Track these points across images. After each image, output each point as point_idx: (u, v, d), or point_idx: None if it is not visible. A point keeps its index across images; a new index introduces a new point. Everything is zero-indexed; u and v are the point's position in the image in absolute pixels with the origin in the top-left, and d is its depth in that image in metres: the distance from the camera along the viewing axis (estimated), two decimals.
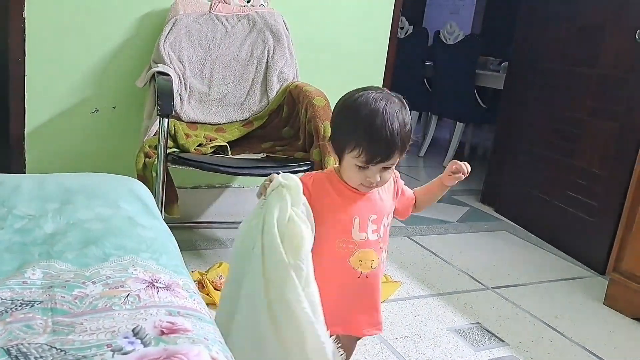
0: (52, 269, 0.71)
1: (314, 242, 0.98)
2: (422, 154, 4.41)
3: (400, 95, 1.05)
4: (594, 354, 1.73)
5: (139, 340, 0.57)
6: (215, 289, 1.76)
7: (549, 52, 2.74)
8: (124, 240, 0.80)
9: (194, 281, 1.74)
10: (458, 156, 4.21)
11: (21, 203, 0.87)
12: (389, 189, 1.18)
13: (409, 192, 1.23)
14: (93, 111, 2.15)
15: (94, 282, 0.68)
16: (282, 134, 2.10)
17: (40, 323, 0.59)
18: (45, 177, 1.00)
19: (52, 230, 0.81)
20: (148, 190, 1.08)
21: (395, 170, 1.14)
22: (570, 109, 2.59)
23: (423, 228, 2.72)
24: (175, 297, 0.68)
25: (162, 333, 0.59)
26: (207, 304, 1.70)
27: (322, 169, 1.92)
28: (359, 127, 1.00)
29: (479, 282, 2.17)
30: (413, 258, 2.33)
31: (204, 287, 1.74)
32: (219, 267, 1.88)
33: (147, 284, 0.68)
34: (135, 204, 0.95)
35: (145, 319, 0.60)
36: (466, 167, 1.17)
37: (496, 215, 3.07)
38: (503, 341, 1.73)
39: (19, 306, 0.61)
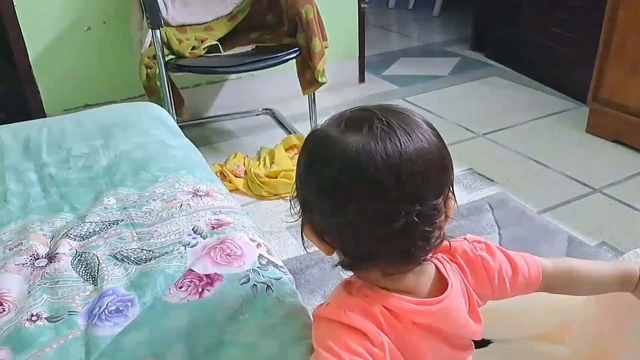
0: (120, 194, 0.93)
1: None
2: (410, 6, 4.38)
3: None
4: (574, 179, 1.98)
5: (199, 235, 0.80)
6: (235, 176, 2.00)
7: None
8: (164, 163, 1.01)
9: (216, 172, 1.99)
10: (446, 3, 4.17)
11: (74, 144, 1.07)
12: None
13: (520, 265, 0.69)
14: (86, 29, 2.24)
15: (154, 200, 0.90)
16: (267, 22, 2.19)
17: (128, 235, 0.83)
18: (79, 117, 1.18)
19: (106, 164, 1.02)
20: (165, 111, 1.26)
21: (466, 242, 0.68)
22: None
23: (417, 87, 2.87)
24: (214, 200, 0.90)
25: (213, 228, 0.82)
26: (231, 190, 1.98)
27: (309, 54, 2.05)
28: None
29: (470, 131, 2.39)
30: None
31: (225, 177, 1.98)
32: (234, 157, 2.12)
33: (192, 194, 0.91)
34: (160, 127, 1.14)
35: (199, 220, 0.84)
36: None
37: (487, 61, 3.18)
38: (493, 181, 1.99)
39: (109, 226, 0.85)
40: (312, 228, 0.59)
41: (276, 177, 1.98)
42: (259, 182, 1.96)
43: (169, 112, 2.03)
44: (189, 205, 0.87)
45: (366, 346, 0.56)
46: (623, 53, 2.06)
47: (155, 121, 1.16)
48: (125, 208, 0.88)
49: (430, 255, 0.59)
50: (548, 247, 1.61)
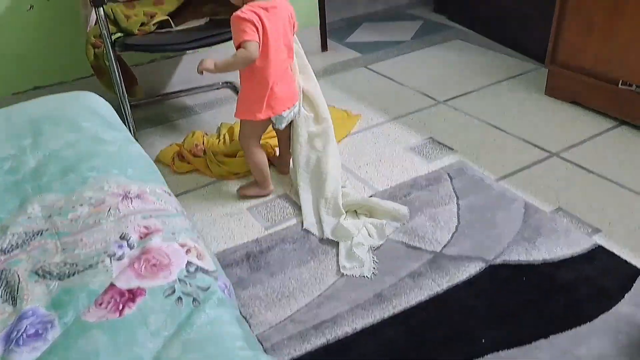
0: (45, 201, 0.90)
1: None
2: None
3: None
4: (532, 143, 1.99)
5: (125, 243, 0.78)
6: (194, 156, 1.96)
7: None
8: (94, 162, 0.97)
9: (174, 153, 1.95)
10: None
11: (0, 144, 1.02)
12: None
13: None
14: (29, 8, 2.13)
15: (81, 205, 0.87)
16: None
17: (52, 246, 0.80)
18: (9, 111, 1.12)
19: (34, 165, 0.98)
20: (102, 99, 1.21)
21: None
22: None
23: (379, 54, 2.83)
24: (145, 203, 0.87)
25: (141, 237, 0.79)
26: (190, 171, 1.94)
27: None
28: None
29: (431, 98, 2.37)
30: (371, 87, 2.50)
31: (184, 157, 1.94)
32: (192, 136, 2.07)
33: (121, 197, 0.88)
34: (94, 120, 1.09)
35: (127, 226, 0.81)
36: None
37: (449, 23, 3.13)
38: (452, 149, 1.99)
39: (32, 237, 0.82)
40: None
41: (235, 156, 1.95)
42: (218, 161, 1.92)
43: (119, 93, 1.96)
44: (118, 209, 0.85)
45: (254, 26, 1.48)
46: (579, 14, 2.04)
47: (89, 112, 1.11)
48: (50, 216, 0.85)
49: None
50: (505, 214, 1.63)
